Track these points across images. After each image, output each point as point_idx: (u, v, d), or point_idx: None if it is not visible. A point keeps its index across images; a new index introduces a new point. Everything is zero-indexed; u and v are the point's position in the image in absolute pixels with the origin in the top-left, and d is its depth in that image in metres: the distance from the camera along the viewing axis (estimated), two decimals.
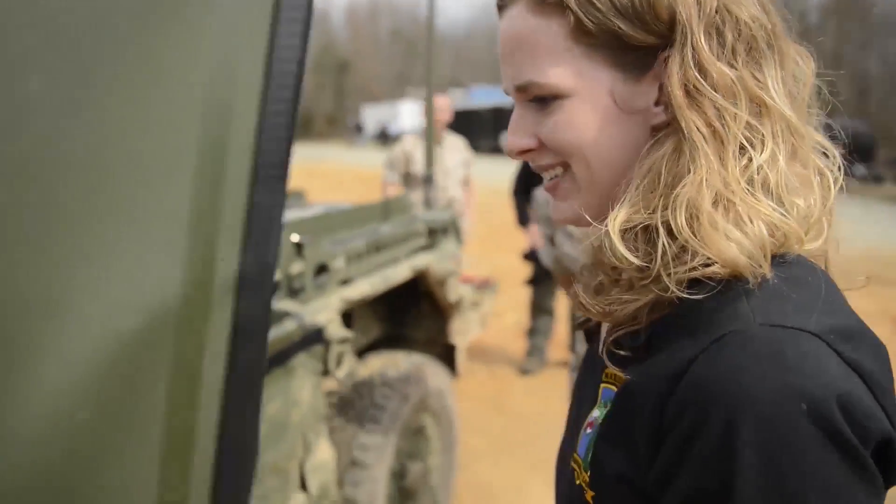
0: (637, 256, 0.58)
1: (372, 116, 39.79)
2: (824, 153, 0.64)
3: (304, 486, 1.99)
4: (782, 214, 0.56)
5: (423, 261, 2.69)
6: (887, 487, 0.51)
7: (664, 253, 0.56)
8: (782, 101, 0.59)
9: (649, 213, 0.58)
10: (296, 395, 1.92)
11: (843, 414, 0.48)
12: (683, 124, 0.58)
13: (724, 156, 0.57)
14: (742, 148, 0.58)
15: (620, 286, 0.61)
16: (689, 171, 0.57)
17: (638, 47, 0.60)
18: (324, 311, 2.05)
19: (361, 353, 2.84)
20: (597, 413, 0.63)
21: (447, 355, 3.13)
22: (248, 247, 0.44)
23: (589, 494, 0.61)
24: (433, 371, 2.74)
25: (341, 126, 50.59)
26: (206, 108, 0.42)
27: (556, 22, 0.60)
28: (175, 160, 0.42)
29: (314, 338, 1.98)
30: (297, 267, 2.14)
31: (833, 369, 0.49)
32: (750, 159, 0.57)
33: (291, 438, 1.91)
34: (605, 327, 0.68)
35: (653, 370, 0.55)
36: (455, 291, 2.93)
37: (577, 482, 0.63)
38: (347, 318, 2.65)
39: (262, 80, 0.44)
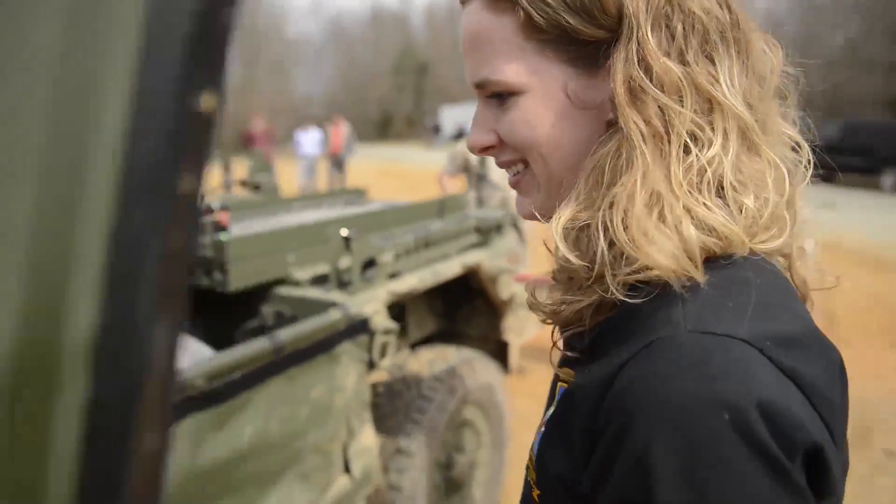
0: (579, 256, 0.57)
1: (450, 117, 40.04)
2: (795, 147, 0.63)
3: (347, 469, 2.09)
4: (724, 216, 0.54)
5: (473, 258, 2.74)
6: (821, 497, 0.49)
7: (603, 254, 0.55)
8: (735, 97, 0.57)
9: (592, 212, 0.57)
10: (340, 382, 2.02)
11: (767, 423, 0.46)
12: (623, 122, 0.56)
13: (665, 155, 0.55)
14: (688, 146, 0.56)
15: (570, 286, 0.60)
16: (627, 171, 0.56)
17: (589, 42, 0.58)
18: (370, 302, 2.14)
19: (415, 346, 2.92)
20: (551, 411, 0.63)
21: (500, 352, 3.17)
22: (112, 299, 0.30)
23: (535, 493, 0.61)
24: (483, 366, 2.79)
25: (420, 127, 51.18)
26: (56, 93, 0.29)
27: (507, 18, 0.60)
28: (5, 168, 0.29)
29: (359, 327, 2.07)
30: (345, 261, 2.25)
31: (761, 378, 0.47)
32: (697, 158, 0.55)
33: (335, 422, 2.01)
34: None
35: (592, 373, 0.54)
36: (507, 289, 2.97)
37: (529, 479, 0.63)
38: (402, 312, 2.74)
39: (138, 49, 0.28)
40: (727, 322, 0.50)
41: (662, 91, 0.55)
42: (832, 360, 0.53)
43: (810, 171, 0.63)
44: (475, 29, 0.62)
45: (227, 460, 1.64)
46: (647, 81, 0.56)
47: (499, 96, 0.63)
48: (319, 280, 2.32)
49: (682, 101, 0.56)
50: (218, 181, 3.80)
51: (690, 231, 0.53)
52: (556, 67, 0.60)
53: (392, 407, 2.45)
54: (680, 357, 0.48)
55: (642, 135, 0.55)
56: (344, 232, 2.19)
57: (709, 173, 0.55)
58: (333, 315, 1.99)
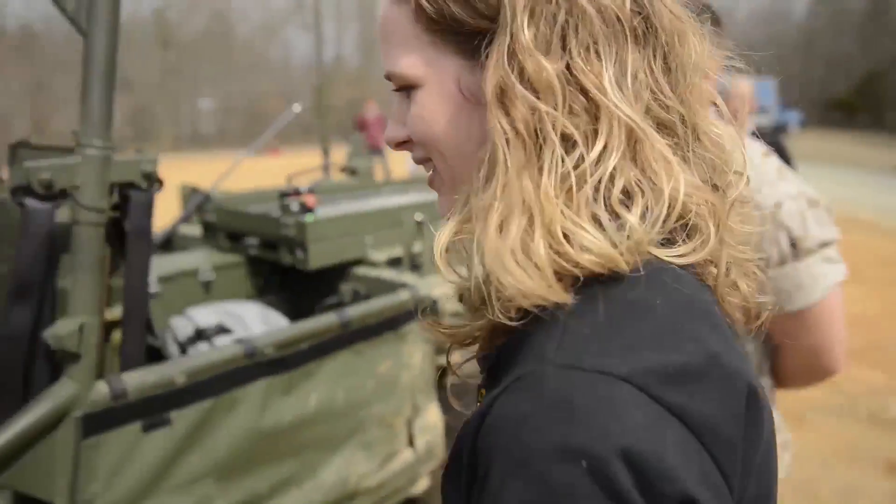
0: (461, 275, 0.53)
1: None
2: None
3: (411, 443, 2.19)
4: (595, 233, 0.48)
5: None
6: None
7: (478, 274, 0.50)
8: (622, 98, 0.50)
9: (472, 225, 0.52)
10: (407, 359, 2.12)
11: (631, 472, 0.41)
12: (490, 125, 0.51)
13: (534, 163, 0.50)
14: (567, 152, 0.50)
15: (465, 306, 0.56)
16: (490, 181, 0.51)
17: (476, 33, 0.54)
18: (440, 285, 2.22)
19: None
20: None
21: None
22: None
23: None
24: None
25: None
26: None
27: (405, 8, 0.57)
28: None
29: (427, 309, 2.16)
30: (418, 245, 2.34)
31: (630, 420, 0.42)
32: (573, 167, 0.49)
33: (400, 397, 2.11)
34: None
35: (481, 405, 0.49)
36: None
37: None
38: None
39: None
40: (603, 355, 0.45)
41: (534, 91, 0.50)
42: (736, 392, 0.47)
43: (744, 179, 0.57)
44: (383, 20, 0.60)
45: (292, 423, 1.78)
46: (517, 80, 0.50)
47: (404, 90, 0.60)
48: (395, 262, 2.44)
49: (556, 103, 0.50)
50: (318, 165, 4.00)
51: (540, 250, 0.47)
52: (448, 60, 0.56)
53: (463, 388, 2.52)
54: (542, 396, 0.44)
55: (508, 141, 0.50)
56: (418, 217, 2.29)
57: (588, 184, 0.49)
58: (402, 295, 2.09)
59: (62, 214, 1.34)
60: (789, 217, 1.18)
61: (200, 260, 2.48)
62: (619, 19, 0.51)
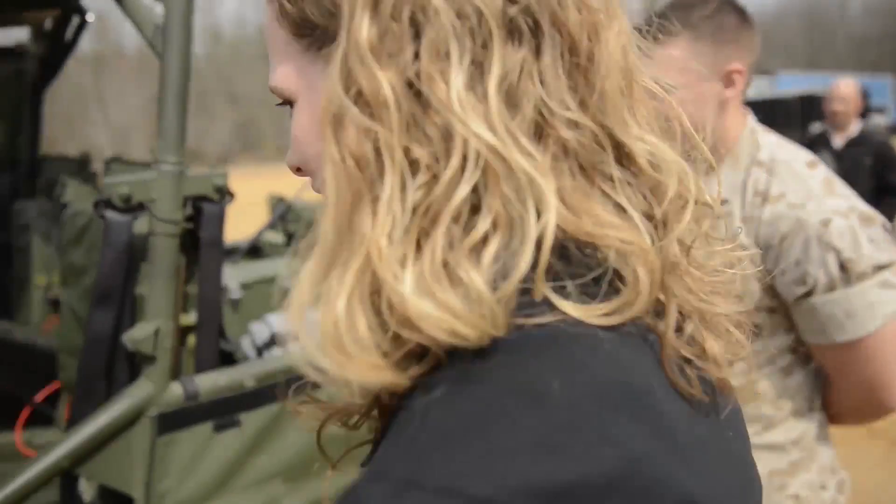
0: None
1: None
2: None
3: None
4: (423, 298, 0.36)
5: None
6: None
7: None
8: (475, 110, 0.39)
9: None
10: None
11: None
12: (323, 150, 0.41)
13: (369, 202, 0.39)
14: (403, 188, 0.39)
15: None
16: (322, 224, 0.41)
17: (330, 34, 0.45)
18: None
19: None
20: None
21: None
22: None
23: None
24: None
25: None
26: None
27: (273, 10, 0.48)
28: None
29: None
30: None
31: None
32: (409, 208, 0.38)
33: None
34: None
35: None
36: None
37: None
38: None
39: None
40: (457, 465, 0.33)
41: (368, 108, 0.39)
42: (661, 499, 0.35)
43: (687, 213, 0.43)
44: (263, 25, 0.51)
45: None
46: (349, 94, 0.40)
47: (288, 105, 0.51)
48: None
49: (393, 124, 0.39)
50: None
51: (357, 320, 0.37)
52: (317, 70, 0.47)
53: None
54: None
55: (334, 172, 0.40)
56: None
57: (436, 227, 0.38)
58: None
59: (140, 226, 1.44)
60: (839, 236, 1.06)
61: (281, 267, 2.58)
62: (480, 12, 0.39)
